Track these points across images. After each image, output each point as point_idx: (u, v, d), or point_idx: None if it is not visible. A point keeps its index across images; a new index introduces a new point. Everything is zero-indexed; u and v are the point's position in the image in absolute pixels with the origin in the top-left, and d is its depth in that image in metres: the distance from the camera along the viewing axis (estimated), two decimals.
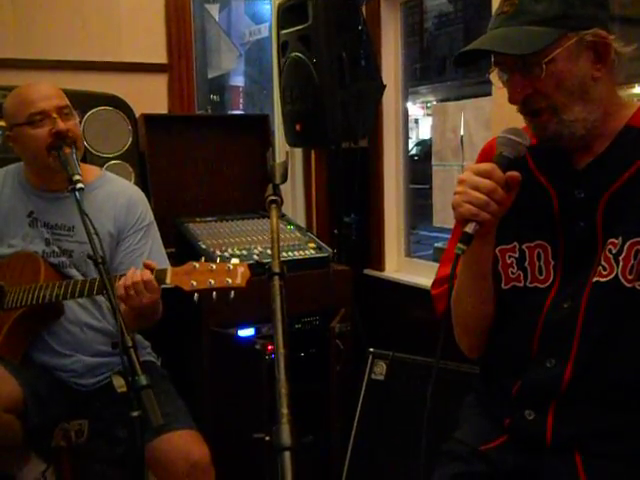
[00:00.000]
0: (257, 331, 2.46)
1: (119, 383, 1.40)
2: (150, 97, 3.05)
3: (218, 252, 2.49)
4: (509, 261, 1.33)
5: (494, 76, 1.26)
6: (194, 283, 1.67)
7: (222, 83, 7.80)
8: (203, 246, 2.55)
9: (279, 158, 3.44)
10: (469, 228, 1.17)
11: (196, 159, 3.05)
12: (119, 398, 1.69)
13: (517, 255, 1.32)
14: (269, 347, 2.34)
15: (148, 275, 1.69)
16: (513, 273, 1.33)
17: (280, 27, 3.04)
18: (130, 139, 2.76)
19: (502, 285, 1.34)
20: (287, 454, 0.71)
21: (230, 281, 1.65)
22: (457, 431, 1.41)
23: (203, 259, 1.71)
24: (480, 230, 1.17)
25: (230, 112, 7.82)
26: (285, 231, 2.79)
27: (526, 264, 1.31)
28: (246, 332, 2.45)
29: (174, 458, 1.75)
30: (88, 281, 1.81)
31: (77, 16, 2.93)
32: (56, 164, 1.83)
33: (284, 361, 0.82)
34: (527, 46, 1.16)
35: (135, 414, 1.32)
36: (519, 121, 1.32)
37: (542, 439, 1.25)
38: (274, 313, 0.88)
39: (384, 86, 3.01)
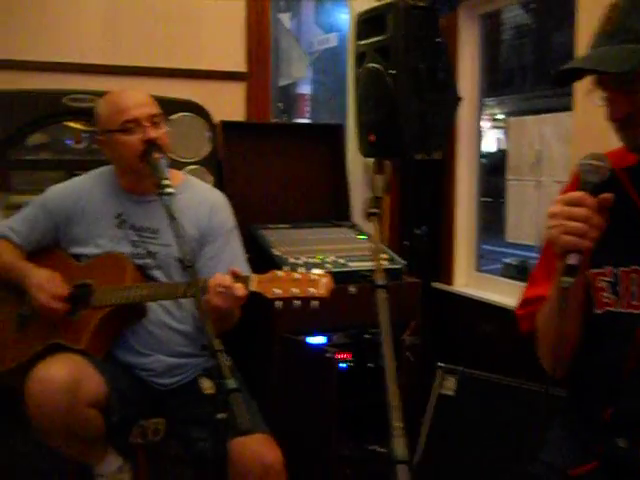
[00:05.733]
0: (329, 339, 2.47)
1: (207, 385, 1.42)
2: (227, 105, 3.09)
3: (291, 259, 2.51)
4: (602, 285, 1.30)
5: (594, 95, 1.25)
6: (277, 291, 1.68)
7: (288, 91, 7.87)
8: (277, 253, 2.58)
9: (354, 168, 3.41)
10: (573, 260, 1.15)
11: (271, 166, 3.09)
12: (195, 398, 1.73)
13: (611, 279, 1.29)
14: (339, 356, 2.35)
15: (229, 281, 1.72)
16: (607, 297, 1.30)
17: (358, 38, 3.06)
18: (210, 145, 2.82)
19: (595, 309, 1.32)
20: (403, 467, 0.72)
21: (314, 291, 1.66)
22: (543, 453, 1.39)
23: (288, 268, 1.73)
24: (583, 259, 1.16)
25: (296, 120, 7.88)
26: (357, 240, 2.79)
27: (620, 288, 1.28)
28: (317, 340, 2.46)
29: (248, 460, 1.76)
30: (175, 285, 1.85)
31: (161, 24, 3.01)
32: (146, 169, 1.88)
33: (393, 373, 0.82)
34: (626, 64, 1.14)
35: (221, 416, 1.34)
36: (603, 136, 1.32)
37: (636, 468, 1.21)
38: (381, 326, 0.89)
39: (460, 98, 2.99)
